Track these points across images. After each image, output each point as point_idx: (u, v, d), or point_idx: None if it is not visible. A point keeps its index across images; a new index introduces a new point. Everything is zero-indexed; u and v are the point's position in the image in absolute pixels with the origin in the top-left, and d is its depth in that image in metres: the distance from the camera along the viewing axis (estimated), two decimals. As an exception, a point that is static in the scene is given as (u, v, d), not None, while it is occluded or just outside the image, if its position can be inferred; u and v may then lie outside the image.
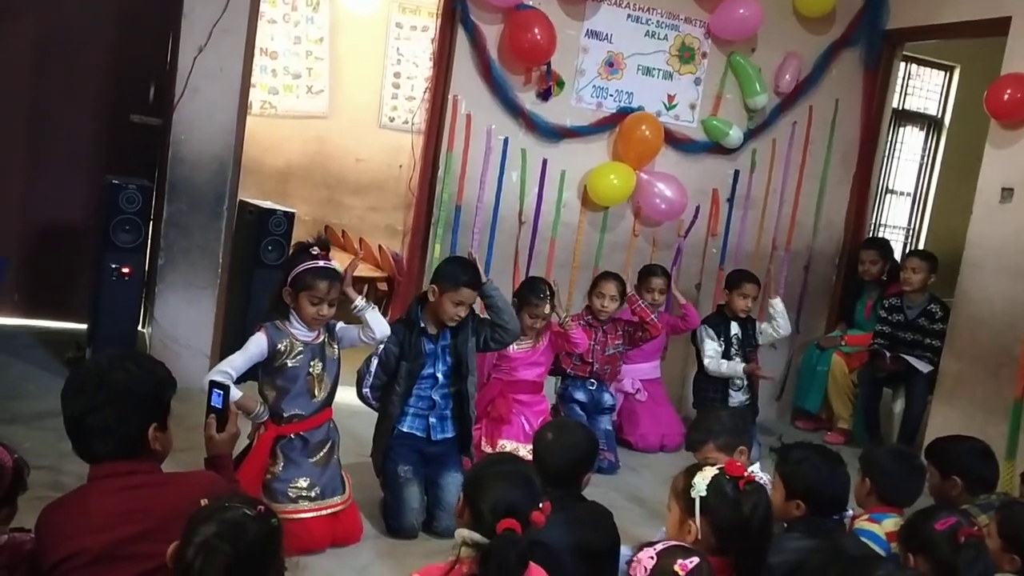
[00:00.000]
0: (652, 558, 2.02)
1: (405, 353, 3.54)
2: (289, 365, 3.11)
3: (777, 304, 4.89)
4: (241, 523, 1.66)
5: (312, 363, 3.15)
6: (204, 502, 1.71)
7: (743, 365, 4.82)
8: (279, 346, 3.10)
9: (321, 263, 3.11)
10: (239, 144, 4.65)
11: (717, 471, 2.30)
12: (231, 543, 1.63)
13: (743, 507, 2.23)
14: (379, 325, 3.29)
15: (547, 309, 4.21)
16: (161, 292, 4.54)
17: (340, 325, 3.28)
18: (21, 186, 4.99)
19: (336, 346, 3.27)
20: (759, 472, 2.92)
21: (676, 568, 1.96)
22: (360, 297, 3.28)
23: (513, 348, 4.16)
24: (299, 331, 3.14)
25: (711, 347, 4.86)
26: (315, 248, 3.15)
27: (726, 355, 4.86)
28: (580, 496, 2.72)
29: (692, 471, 2.35)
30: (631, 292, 4.74)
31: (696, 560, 1.99)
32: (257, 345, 3.09)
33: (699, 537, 2.22)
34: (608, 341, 4.64)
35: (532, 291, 4.25)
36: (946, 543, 2.31)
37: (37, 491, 2.33)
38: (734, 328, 4.92)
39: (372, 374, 3.57)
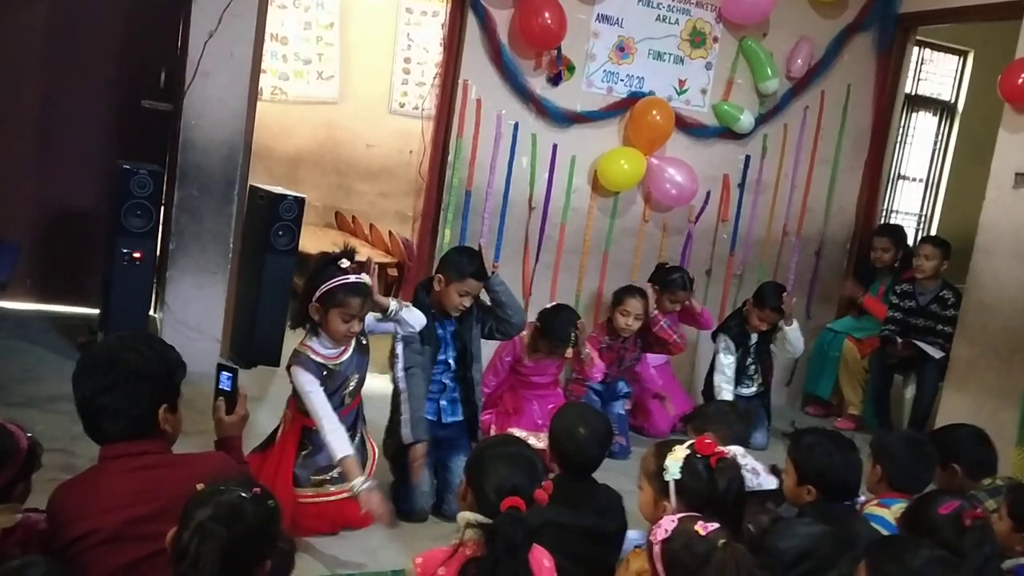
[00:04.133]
0: (673, 521, 2.02)
1: (424, 336, 3.50)
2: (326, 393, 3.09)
3: (789, 333, 4.86)
4: (237, 505, 1.67)
5: (347, 379, 3.14)
6: (200, 487, 1.71)
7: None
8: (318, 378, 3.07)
9: (352, 278, 3.02)
10: (250, 129, 4.65)
11: (687, 451, 2.30)
12: (226, 525, 1.63)
13: (718, 484, 2.24)
14: (416, 319, 3.28)
15: (568, 353, 4.08)
16: (172, 277, 4.55)
17: (369, 320, 3.21)
18: (32, 171, 4.99)
19: (366, 340, 3.24)
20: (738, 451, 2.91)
21: (697, 528, 1.96)
22: (392, 300, 3.23)
23: (528, 362, 4.13)
24: (328, 351, 3.09)
25: (727, 361, 4.84)
26: (344, 261, 3.06)
27: (741, 366, 4.87)
28: (592, 480, 2.72)
29: (662, 451, 2.35)
30: (653, 310, 4.66)
31: (717, 526, 1.99)
32: (311, 382, 3.02)
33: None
34: (626, 356, 4.64)
35: (556, 334, 4.02)
36: (950, 527, 2.30)
37: (49, 473, 2.35)
38: (753, 338, 4.93)
39: (401, 356, 3.48)
